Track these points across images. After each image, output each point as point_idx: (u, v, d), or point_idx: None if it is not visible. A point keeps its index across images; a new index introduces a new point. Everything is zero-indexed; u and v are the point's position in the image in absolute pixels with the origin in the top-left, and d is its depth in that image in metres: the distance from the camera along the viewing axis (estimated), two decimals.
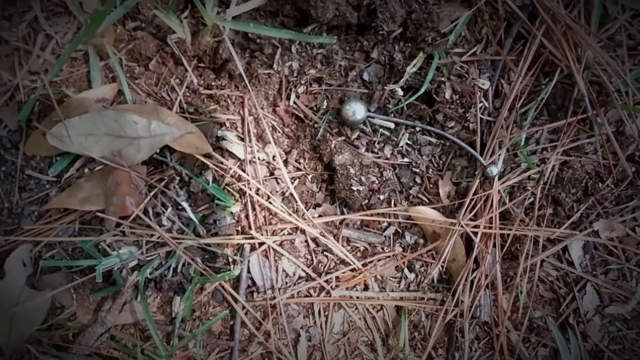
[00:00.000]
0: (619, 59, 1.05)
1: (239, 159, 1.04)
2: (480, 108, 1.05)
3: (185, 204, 1.03)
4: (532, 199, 1.07)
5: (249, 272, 1.04)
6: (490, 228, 1.06)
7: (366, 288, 1.10)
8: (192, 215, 1.02)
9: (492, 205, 1.05)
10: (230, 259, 1.04)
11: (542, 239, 1.06)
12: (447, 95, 1.04)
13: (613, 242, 1.07)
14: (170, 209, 1.04)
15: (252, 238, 1.03)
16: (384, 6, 0.98)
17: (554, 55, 1.03)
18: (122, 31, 1.04)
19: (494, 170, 1.03)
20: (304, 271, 1.08)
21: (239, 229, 1.05)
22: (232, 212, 1.04)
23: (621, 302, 1.09)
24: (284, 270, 1.07)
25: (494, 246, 1.07)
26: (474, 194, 1.06)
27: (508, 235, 1.06)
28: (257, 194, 1.04)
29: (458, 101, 1.05)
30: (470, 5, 1.03)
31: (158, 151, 0.99)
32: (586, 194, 1.07)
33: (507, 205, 1.06)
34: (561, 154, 1.06)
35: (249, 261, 1.04)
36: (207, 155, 1.02)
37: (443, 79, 1.03)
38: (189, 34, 1.03)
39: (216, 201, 1.02)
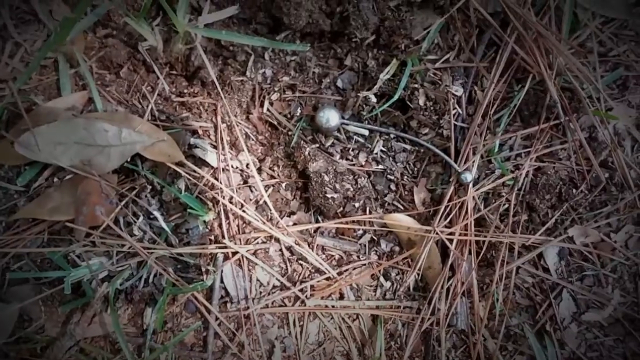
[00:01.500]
0: (590, 65, 1.10)
1: (212, 167, 1.08)
2: (454, 115, 1.09)
3: (157, 213, 1.06)
4: (506, 205, 1.12)
5: (222, 282, 1.08)
6: (465, 235, 1.10)
7: (342, 297, 1.14)
8: (163, 225, 1.06)
9: (467, 211, 1.09)
10: (203, 269, 1.08)
11: (517, 246, 1.10)
12: (421, 102, 1.09)
13: (588, 248, 1.11)
14: (141, 218, 1.06)
15: (226, 247, 1.07)
16: (356, 13, 1.03)
17: (526, 62, 1.08)
18: (93, 38, 1.07)
19: (468, 177, 1.07)
20: (279, 280, 1.12)
21: (212, 238, 1.08)
22: (205, 221, 1.08)
23: (597, 309, 1.13)
24: (257, 280, 1.11)
25: (470, 253, 1.11)
26: (449, 200, 1.10)
27: (483, 242, 1.10)
28: (231, 202, 1.08)
29: (432, 108, 1.09)
30: (443, 13, 1.09)
31: (129, 160, 1.02)
32: (560, 199, 1.11)
33: (482, 212, 1.10)
34: (535, 160, 1.11)
35: (222, 271, 1.08)
36: (180, 164, 1.05)
37: (416, 85, 1.08)
38: (161, 42, 1.08)
39: (189, 210, 1.05)
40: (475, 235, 1.10)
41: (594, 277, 1.15)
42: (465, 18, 1.11)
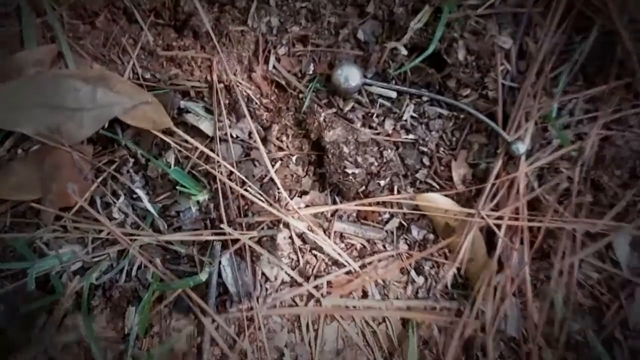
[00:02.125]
0: None
1: (207, 137, 1.02)
2: (502, 72, 1.02)
3: (140, 192, 0.99)
4: (567, 184, 1.03)
5: (220, 276, 1.01)
6: (516, 220, 1.01)
7: (364, 295, 1.05)
8: (149, 206, 0.99)
9: (518, 191, 1.01)
10: (197, 260, 1.00)
11: (580, 234, 1.01)
12: (461, 57, 1.01)
13: None
14: (122, 198, 1.01)
15: (224, 234, 0.99)
16: None
17: (590, 6, 1.00)
18: None
19: (521, 148, 0.99)
20: (288, 275, 1.04)
21: (208, 222, 1.02)
22: (198, 202, 1.01)
23: None
24: (263, 274, 1.03)
25: (522, 243, 1.02)
26: (496, 177, 1.02)
27: (538, 228, 1.01)
28: (230, 179, 1.00)
29: (474, 64, 1.02)
30: None
31: (106, 126, 0.96)
32: (633, 176, 1.02)
33: (537, 192, 1.02)
34: (601, 128, 1.02)
35: (220, 263, 1.00)
36: (168, 132, 0.99)
37: (455, 36, 1.01)
38: None
39: (179, 188, 0.99)
40: (529, 221, 1.02)
41: None
42: None
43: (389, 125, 1.04)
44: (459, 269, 1.05)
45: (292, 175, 1.05)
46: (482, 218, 1.00)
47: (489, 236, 1.04)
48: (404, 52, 1.00)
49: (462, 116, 1.04)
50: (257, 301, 1.00)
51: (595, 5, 0.99)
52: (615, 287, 1.04)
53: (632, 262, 1.03)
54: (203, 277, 0.96)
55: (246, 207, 1.01)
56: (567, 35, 1.03)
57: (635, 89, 1.02)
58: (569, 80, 1.03)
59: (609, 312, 1.04)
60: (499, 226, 1.01)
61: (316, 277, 1.03)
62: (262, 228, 1.02)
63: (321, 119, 0.99)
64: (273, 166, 1.03)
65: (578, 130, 1.03)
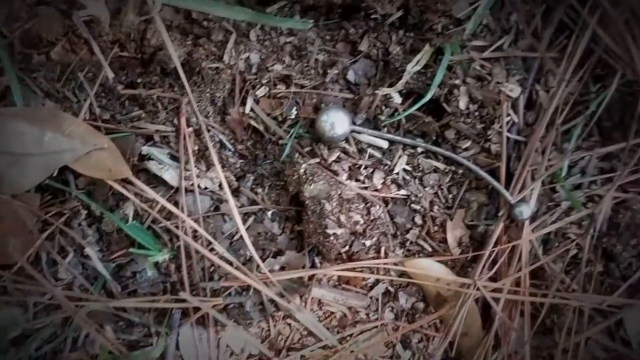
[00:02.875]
0: None
1: (171, 187, 0.96)
2: (508, 123, 0.96)
3: (91, 250, 0.93)
4: (576, 252, 0.98)
5: (177, 348, 0.96)
6: (517, 293, 0.96)
7: None
8: (100, 267, 0.92)
9: (520, 259, 0.96)
10: (153, 330, 0.95)
11: (588, 309, 0.96)
12: (462, 105, 0.95)
13: None
14: (71, 255, 0.95)
15: (184, 300, 0.92)
16: None
17: (610, 53, 0.94)
18: (19, 5, 0.93)
19: (525, 212, 0.93)
20: (257, 348, 0.98)
21: (168, 286, 0.96)
22: (157, 263, 0.96)
23: None
24: (227, 347, 0.98)
25: (522, 315, 0.97)
26: (496, 243, 0.97)
27: (542, 303, 0.96)
28: (195, 238, 0.94)
29: (476, 113, 0.96)
30: None
31: (55, 174, 0.90)
32: None
33: (542, 261, 0.96)
34: (617, 190, 0.96)
35: (178, 334, 0.95)
36: (126, 182, 0.93)
37: (457, 82, 0.95)
38: (106, 11, 0.91)
39: (133, 250, 0.93)
40: (531, 294, 0.96)
41: None
42: None
43: (378, 178, 0.97)
44: (451, 344, 1.00)
45: (266, 233, 0.98)
46: (479, 289, 0.94)
47: (486, 308, 1.00)
48: (397, 99, 0.94)
49: (460, 171, 0.98)
50: None
51: (617, 53, 0.92)
52: None
53: None
54: (157, 352, 0.92)
55: (212, 269, 0.95)
56: (583, 85, 0.97)
57: None
58: (582, 135, 0.98)
59: None
60: (497, 299, 0.95)
61: (289, 350, 0.97)
62: (229, 294, 0.96)
63: (302, 170, 0.92)
64: (245, 222, 0.96)
65: (591, 192, 0.98)
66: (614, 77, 0.94)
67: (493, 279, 0.96)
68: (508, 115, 0.95)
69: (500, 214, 0.95)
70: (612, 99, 0.96)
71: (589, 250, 0.97)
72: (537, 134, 0.95)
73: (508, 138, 0.96)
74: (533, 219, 0.97)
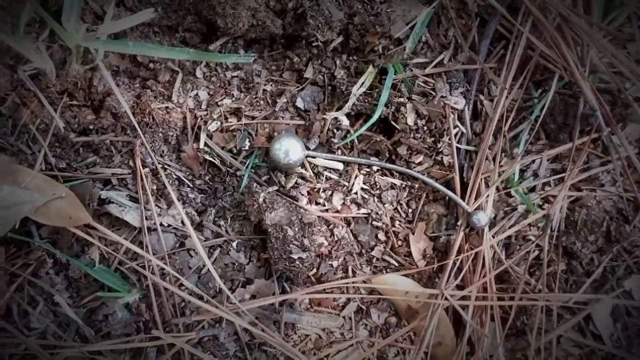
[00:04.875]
0: (632, 57, 0.97)
1: (134, 228, 0.95)
2: (456, 135, 0.98)
3: (60, 298, 0.91)
4: (537, 253, 0.99)
5: None
6: (484, 298, 0.96)
7: None
8: (70, 313, 0.90)
9: (484, 265, 0.96)
10: None
11: (556, 307, 0.97)
12: (410, 121, 0.96)
13: None
14: (41, 304, 0.92)
15: (158, 338, 0.90)
16: (315, 9, 0.92)
17: (547, 58, 0.96)
18: None
19: (482, 219, 0.94)
20: None
21: (140, 325, 0.95)
22: (128, 304, 0.94)
23: None
24: None
25: (492, 320, 0.97)
26: (458, 252, 0.97)
27: (510, 305, 0.96)
28: (162, 276, 0.93)
29: (425, 128, 0.97)
30: (430, 0, 0.96)
31: (17, 226, 0.88)
32: (609, 240, 0.99)
33: (505, 265, 0.97)
34: (570, 189, 0.98)
35: None
36: (89, 227, 0.92)
37: (402, 99, 0.96)
38: (51, 63, 0.91)
39: (101, 293, 0.92)
40: (498, 298, 0.97)
41: None
42: (460, 6, 1.00)
43: (337, 200, 0.98)
44: (426, 354, 0.97)
45: (233, 264, 0.97)
46: (446, 298, 0.94)
47: (457, 316, 0.98)
48: (346, 122, 0.95)
49: (417, 185, 0.99)
50: None
51: (552, 57, 0.94)
52: None
53: (615, 334, 0.99)
54: None
55: (183, 304, 0.94)
56: (525, 91, 1.00)
57: (603, 144, 0.98)
58: (530, 139, 1.00)
59: None
60: (466, 306, 0.95)
61: None
62: (202, 327, 0.95)
63: (260, 199, 0.92)
64: (211, 255, 0.96)
65: (545, 194, 1.00)
66: (552, 80, 0.96)
67: (460, 287, 0.97)
68: (456, 127, 0.97)
69: (459, 223, 0.96)
70: (554, 102, 0.98)
71: (550, 250, 0.98)
72: (486, 142, 0.96)
73: (458, 149, 0.97)
74: (492, 224, 0.98)
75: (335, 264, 0.96)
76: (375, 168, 0.98)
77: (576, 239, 0.97)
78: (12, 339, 0.89)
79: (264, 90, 0.98)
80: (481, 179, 0.96)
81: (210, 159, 0.96)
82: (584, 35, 0.91)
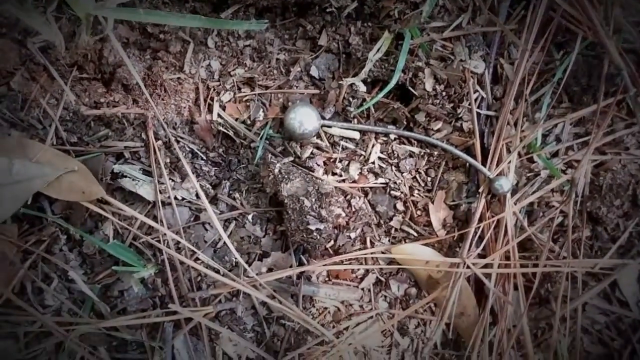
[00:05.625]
0: None
1: (148, 202, 0.93)
2: (476, 100, 0.95)
3: (75, 274, 0.90)
4: (561, 219, 0.97)
5: None
6: (507, 266, 0.94)
7: None
8: (86, 289, 0.89)
9: (506, 233, 0.94)
10: (147, 346, 0.92)
11: (580, 274, 0.96)
12: (428, 87, 0.94)
13: None
14: (56, 281, 0.92)
15: (175, 313, 0.90)
16: None
17: (569, 19, 0.93)
18: None
19: (505, 185, 0.92)
20: (254, 351, 0.95)
21: (157, 300, 0.94)
22: (143, 279, 0.93)
23: None
24: (225, 354, 0.95)
25: (516, 289, 0.95)
26: (480, 220, 0.95)
27: (534, 273, 0.95)
28: (178, 250, 0.91)
29: (444, 93, 0.95)
30: None
31: (30, 202, 0.87)
32: (635, 205, 0.97)
33: (528, 232, 0.95)
34: (594, 153, 0.96)
35: (173, 346, 0.92)
36: (102, 202, 0.90)
37: (420, 64, 0.94)
38: (60, 35, 0.89)
39: (116, 268, 0.91)
40: (522, 266, 0.95)
41: None
42: None
43: (354, 169, 0.96)
44: (448, 326, 0.97)
45: (249, 237, 0.96)
46: (469, 267, 0.92)
47: (479, 286, 0.97)
48: (363, 88, 0.93)
49: (436, 153, 0.97)
50: None
51: (575, 17, 0.91)
52: (625, 330, 0.98)
53: None
54: None
55: (199, 278, 0.93)
56: (546, 53, 0.97)
57: (628, 106, 0.96)
58: (552, 103, 0.98)
59: (622, 358, 0.98)
60: (488, 275, 0.93)
61: (286, 351, 0.94)
62: (220, 301, 0.94)
63: (276, 170, 0.90)
64: (227, 228, 0.95)
65: (568, 158, 0.97)
66: (575, 41, 0.93)
67: (482, 255, 0.95)
68: (476, 91, 0.94)
69: (480, 190, 0.94)
70: (577, 64, 0.96)
71: (574, 216, 0.96)
72: (507, 107, 0.94)
73: (479, 114, 0.95)
74: (514, 191, 0.96)
75: (353, 235, 0.94)
76: (392, 136, 0.96)
77: (601, 204, 0.95)
78: (27, 316, 0.88)
79: (277, 59, 0.96)
80: (502, 145, 0.94)
81: (224, 130, 0.95)
82: None
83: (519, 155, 0.95)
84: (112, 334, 0.91)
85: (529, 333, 0.94)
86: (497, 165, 0.93)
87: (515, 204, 0.94)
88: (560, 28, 0.95)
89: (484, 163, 0.94)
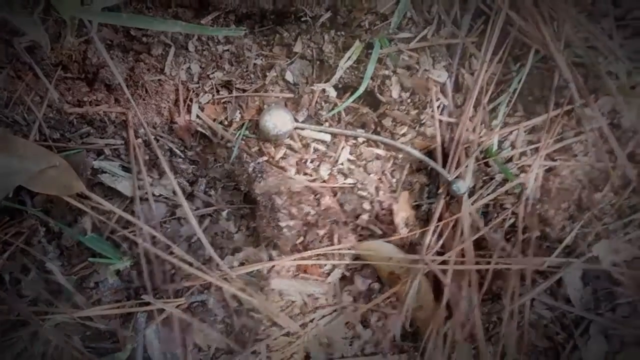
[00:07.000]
0: (605, 32, 0.98)
1: (127, 198, 0.96)
2: (439, 107, 0.99)
3: (52, 265, 0.91)
4: (513, 220, 1.00)
5: (145, 351, 0.94)
6: (462, 263, 0.97)
7: (307, 357, 0.99)
8: (62, 280, 0.91)
9: (463, 232, 0.97)
10: (120, 335, 0.93)
11: (529, 272, 0.98)
12: (395, 94, 0.98)
13: (619, 268, 0.98)
14: (34, 272, 0.93)
15: (148, 304, 0.92)
16: None
17: (525, 33, 0.97)
18: None
19: (462, 187, 0.96)
20: (224, 342, 0.97)
21: (132, 292, 0.96)
22: (119, 271, 0.95)
23: (636, 345, 1.00)
24: (195, 345, 0.96)
25: (470, 285, 0.98)
26: (439, 219, 0.98)
27: (486, 270, 0.98)
28: (153, 243, 0.93)
29: (409, 100, 0.99)
30: None
31: (11, 195, 0.89)
32: (580, 208, 0.99)
33: (483, 231, 0.98)
34: (545, 159, 1.00)
35: (144, 336, 0.93)
36: (82, 196, 0.92)
37: (388, 72, 0.98)
38: (46, 36, 0.90)
39: (92, 259, 0.92)
40: (476, 263, 0.98)
41: (629, 305, 1.01)
42: None
43: (324, 170, 0.99)
44: (407, 319, 0.99)
45: (222, 232, 0.99)
46: (427, 264, 0.96)
47: (437, 281, 0.99)
48: (334, 93, 0.97)
49: (400, 156, 1.00)
50: None
51: (530, 32, 0.96)
52: (569, 325, 1.01)
53: (584, 297, 1.01)
54: (123, 356, 0.90)
55: (173, 271, 0.95)
56: (504, 65, 1.00)
57: (575, 116, 0.99)
58: (508, 111, 1.01)
59: (564, 352, 1.01)
60: (445, 271, 0.96)
61: (254, 341, 0.96)
62: (192, 293, 0.96)
63: (250, 169, 0.94)
64: (202, 223, 0.97)
65: (521, 163, 1.00)
66: (529, 55, 0.97)
67: (440, 253, 0.98)
68: (438, 99, 0.98)
69: (440, 191, 0.98)
70: (531, 76, 0.99)
71: (525, 217, 0.98)
72: (467, 114, 0.97)
73: (440, 120, 0.98)
74: (471, 193, 0.99)
75: (321, 232, 0.97)
76: (361, 139, 0.99)
77: (550, 207, 0.98)
78: (3, 306, 0.89)
79: (255, 64, 0.98)
80: (462, 149, 0.97)
81: (202, 130, 0.97)
82: (559, 11, 0.93)
83: (477, 159, 0.98)
84: (86, 324, 0.92)
85: (481, 327, 0.96)
86: (456, 168, 0.97)
87: (472, 204, 0.97)
88: (517, 42, 0.99)
89: (444, 166, 0.97)
